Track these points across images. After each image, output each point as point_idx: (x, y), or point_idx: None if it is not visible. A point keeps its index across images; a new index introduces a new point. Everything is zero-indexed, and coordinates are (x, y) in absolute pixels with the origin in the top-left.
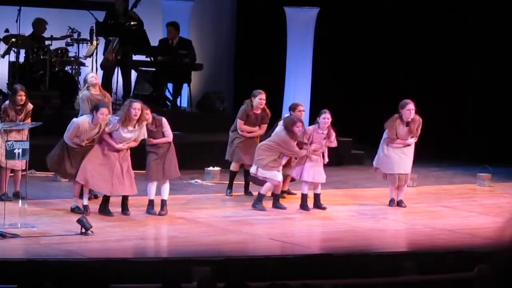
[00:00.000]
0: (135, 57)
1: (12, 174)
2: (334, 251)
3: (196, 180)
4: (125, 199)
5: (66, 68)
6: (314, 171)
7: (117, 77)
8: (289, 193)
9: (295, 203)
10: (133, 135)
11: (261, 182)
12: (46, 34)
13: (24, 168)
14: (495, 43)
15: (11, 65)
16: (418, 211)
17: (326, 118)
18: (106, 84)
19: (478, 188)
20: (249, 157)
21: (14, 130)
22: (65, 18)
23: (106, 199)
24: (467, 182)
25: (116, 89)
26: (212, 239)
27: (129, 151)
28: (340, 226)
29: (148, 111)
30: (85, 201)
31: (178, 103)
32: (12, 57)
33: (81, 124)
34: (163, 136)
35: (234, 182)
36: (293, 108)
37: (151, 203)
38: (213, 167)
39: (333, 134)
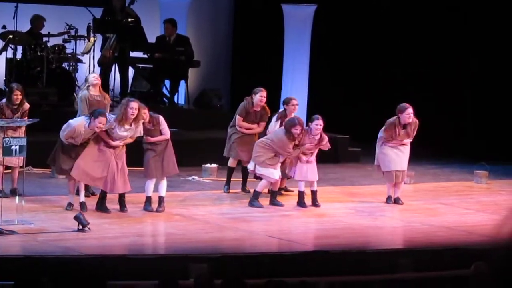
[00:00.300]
0: (132, 54)
1: (10, 171)
2: (331, 248)
3: (193, 177)
4: (122, 196)
5: (63, 65)
6: (307, 168)
7: (114, 74)
8: (286, 190)
9: (292, 200)
10: (129, 133)
11: None
12: (43, 31)
13: (21, 165)
14: (493, 41)
15: (8, 61)
16: (415, 208)
17: (318, 124)
18: (104, 81)
19: (475, 185)
20: (246, 154)
21: (11, 128)
22: (63, 15)
23: (103, 195)
24: (464, 179)
25: (114, 86)
26: (209, 236)
27: (125, 148)
28: (337, 223)
29: (146, 111)
30: (82, 198)
31: (175, 100)
32: (9, 53)
33: (77, 127)
34: (161, 134)
35: (231, 179)
36: (286, 102)
37: (148, 200)
38: (210, 164)
39: (326, 138)
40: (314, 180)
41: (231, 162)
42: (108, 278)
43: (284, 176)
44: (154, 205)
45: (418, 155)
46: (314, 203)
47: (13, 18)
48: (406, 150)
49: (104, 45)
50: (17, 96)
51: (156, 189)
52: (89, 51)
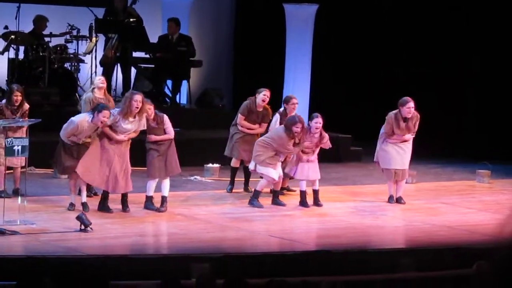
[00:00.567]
0: (135, 54)
1: (12, 171)
2: (333, 248)
3: (195, 176)
4: (124, 195)
5: (65, 65)
6: (308, 167)
7: (116, 74)
8: (288, 190)
9: (294, 200)
10: (133, 126)
11: None
12: (45, 31)
13: (23, 165)
14: (495, 40)
15: (10, 62)
16: (417, 207)
17: (318, 122)
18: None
19: (477, 184)
20: (248, 153)
21: (12, 128)
22: (65, 15)
23: (105, 196)
24: (466, 178)
25: (116, 86)
26: (211, 236)
27: (128, 146)
28: (338, 222)
29: (152, 107)
30: (84, 199)
31: (177, 100)
32: (12, 54)
33: (80, 123)
34: (164, 133)
35: (235, 179)
36: (286, 101)
37: (149, 199)
38: (212, 163)
39: (326, 137)
40: (316, 179)
41: (234, 162)
42: (110, 278)
43: (286, 175)
44: (157, 205)
45: (420, 155)
46: (316, 202)
47: (15, 18)
48: (408, 148)
49: (106, 45)
50: (17, 97)
51: (158, 188)
52: (91, 51)
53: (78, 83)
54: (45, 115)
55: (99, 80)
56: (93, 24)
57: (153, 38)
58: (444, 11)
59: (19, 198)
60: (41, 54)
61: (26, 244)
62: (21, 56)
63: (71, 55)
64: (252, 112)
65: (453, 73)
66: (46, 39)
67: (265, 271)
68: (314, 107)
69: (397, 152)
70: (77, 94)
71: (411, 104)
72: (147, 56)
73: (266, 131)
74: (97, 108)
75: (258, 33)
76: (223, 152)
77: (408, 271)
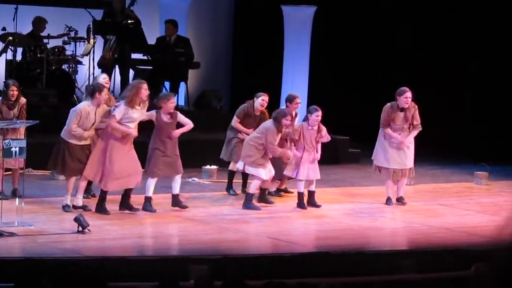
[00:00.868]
0: (133, 56)
1: (9, 172)
2: (331, 250)
3: (193, 178)
4: (128, 196)
5: (63, 67)
6: (309, 168)
7: (114, 76)
8: (286, 191)
9: (292, 202)
10: (139, 115)
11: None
12: (43, 33)
13: (21, 166)
14: (493, 42)
15: (8, 63)
16: (415, 209)
17: (318, 116)
18: None
19: (475, 186)
20: None
21: (10, 130)
22: (62, 17)
23: (103, 197)
24: (464, 180)
25: (114, 87)
26: (209, 238)
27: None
28: (337, 224)
29: (174, 100)
30: (80, 202)
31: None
32: (9, 55)
33: (82, 109)
34: (175, 128)
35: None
36: (290, 100)
37: (148, 200)
38: (210, 165)
39: (324, 129)
40: (315, 178)
41: (232, 166)
42: (109, 279)
43: (282, 177)
44: (155, 207)
45: (418, 156)
46: (314, 203)
47: (13, 20)
48: (407, 148)
49: (104, 47)
50: (13, 91)
51: (157, 189)
52: (89, 53)
53: (76, 84)
54: (43, 116)
55: (104, 79)
56: (91, 26)
57: (151, 40)
58: (442, 13)
59: (17, 199)
60: (39, 55)
61: (24, 246)
62: (19, 57)
63: (69, 57)
64: (249, 116)
65: (451, 75)
66: (44, 40)
67: (263, 272)
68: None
69: (396, 150)
70: (75, 96)
71: (409, 94)
72: (145, 57)
73: None
74: (95, 89)
75: (256, 34)
76: (221, 153)
77: (406, 273)
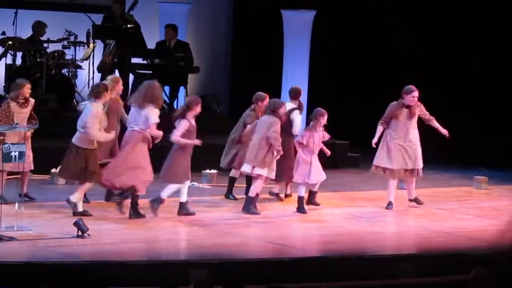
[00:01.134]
0: (132, 60)
1: (14, 176)
2: (331, 254)
3: (193, 182)
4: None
5: (62, 71)
6: (317, 170)
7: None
8: (286, 195)
9: (291, 206)
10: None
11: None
12: (43, 37)
13: (31, 169)
14: (494, 43)
15: (8, 68)
16: (414, 213)
17: (325, 118)
18: None
19: (474, 191)
20: None
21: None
22: (62, 21)
23: (135, 201)
24: (464, 184)
25: None
26: (209, 242)
27: None
28: (336, 228)
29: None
30: (80, 208)
31: (175, 106)
32: (9, 59)
33: (100, 112)
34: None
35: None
36: (298, 93)
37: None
38: (210, 169)
39: (322, 128)
40: (323, 179)
41: (234, 173)
42: (108, 284)
43: (283, 179)
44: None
45: None
46: (313, 202)
47: (13, 24)
48: (410, 148)
49: (104, 51)
50: (28, 89)
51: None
52: (89, 57)
53: (76, 89)
54: (42, 121)
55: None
56: (91, 30)
57: (151, 44)
58: (441, 15)
59: (16, 204)
60: (38, 60)
61: (23, 250)
62: (18, 62)
63: (69, 61)
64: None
65: (451, 79)
66: (44, 45)
67: (263, 277)
68: (311, 113)
69: (399, 150)
70: (74, 100)
71: (416, 93)
72: (145, 62)
73: None
74: (105, 88)
75: (256, 39)
76: (221, 157)
77: (406, 277)
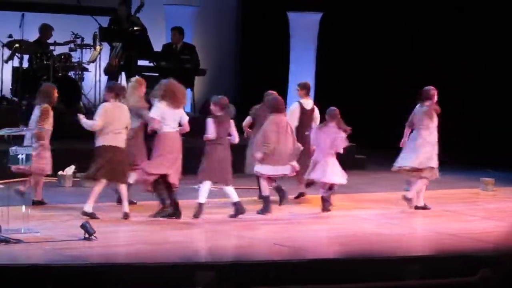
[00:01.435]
0: (139, 63)
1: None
2: (338, 256)
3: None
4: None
5: (69, 74)
6: (329, 169)
7: (121, 83)
8: (302, 195)
9: (300, 207)
10: None
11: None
12: (50, 40)
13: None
14: (499, 44)
15: (15, 70)
16: (421, 215)
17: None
18: None
19: (481, 192)
20: None
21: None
22: (69, 24)
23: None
24: (470, 186)
25: None
26: (216, 244)
27: None
28: (343, 230)
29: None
30: (88, 208)
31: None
32: (16, 62)
33: (106, 108)
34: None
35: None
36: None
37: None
38: None
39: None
40: (337, 182)
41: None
42: (115, 286)
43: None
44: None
45: None
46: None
47: (20, 27)
48: (420, 145)
49: (111, 54)
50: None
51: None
52: (95, 59)
53: (82, 91)
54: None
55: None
56: (97, 33)
57: (157, 47)
58: (448, 19)
59: (23, 206)
60: (45, 62)
61: (30, 253)
62: (25, 64)
63: (75, 64)
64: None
65: (457, 81)
66: (51, 47)
67: (270, 279)
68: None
69: (410, 148)
70: (81, 103)
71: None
72: (151, 64)
73: None
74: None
75: (263, 41)
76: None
77: (412, 279)
